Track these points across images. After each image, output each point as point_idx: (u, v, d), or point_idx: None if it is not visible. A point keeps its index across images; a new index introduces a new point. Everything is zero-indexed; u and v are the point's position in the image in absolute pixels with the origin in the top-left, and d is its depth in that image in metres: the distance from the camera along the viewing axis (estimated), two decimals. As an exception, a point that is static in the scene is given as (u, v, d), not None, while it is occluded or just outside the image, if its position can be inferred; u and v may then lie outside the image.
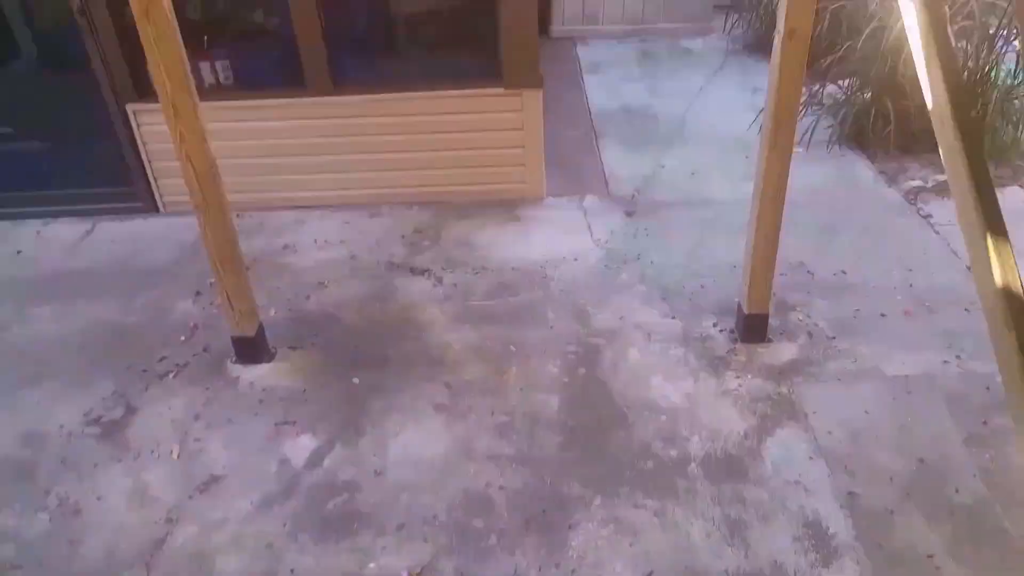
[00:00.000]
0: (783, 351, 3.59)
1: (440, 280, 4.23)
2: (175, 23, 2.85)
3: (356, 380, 3.54)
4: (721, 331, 3.73)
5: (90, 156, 4.84)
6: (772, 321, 3.66)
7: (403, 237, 4.61)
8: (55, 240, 4.79)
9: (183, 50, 2.91)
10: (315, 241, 4.61)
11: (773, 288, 3.53)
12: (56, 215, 4.96)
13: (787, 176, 3.17)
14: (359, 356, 3.70)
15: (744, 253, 3.50)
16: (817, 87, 5.57)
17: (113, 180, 4.88)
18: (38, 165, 4.92)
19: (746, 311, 3.57)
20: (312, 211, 4.88)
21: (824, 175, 5.06)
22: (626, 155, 5.44)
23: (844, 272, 4.12)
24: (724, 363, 3.54)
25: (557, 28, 7.59)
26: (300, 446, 3.21)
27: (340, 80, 4.52)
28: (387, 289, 4.17)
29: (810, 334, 3.69)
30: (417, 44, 4.85)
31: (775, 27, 2.97)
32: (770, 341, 3.63)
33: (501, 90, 4.51)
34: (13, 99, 4.82)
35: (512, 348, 3.68)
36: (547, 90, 4.68)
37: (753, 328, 3.62)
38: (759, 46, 6.91)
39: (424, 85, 4.58)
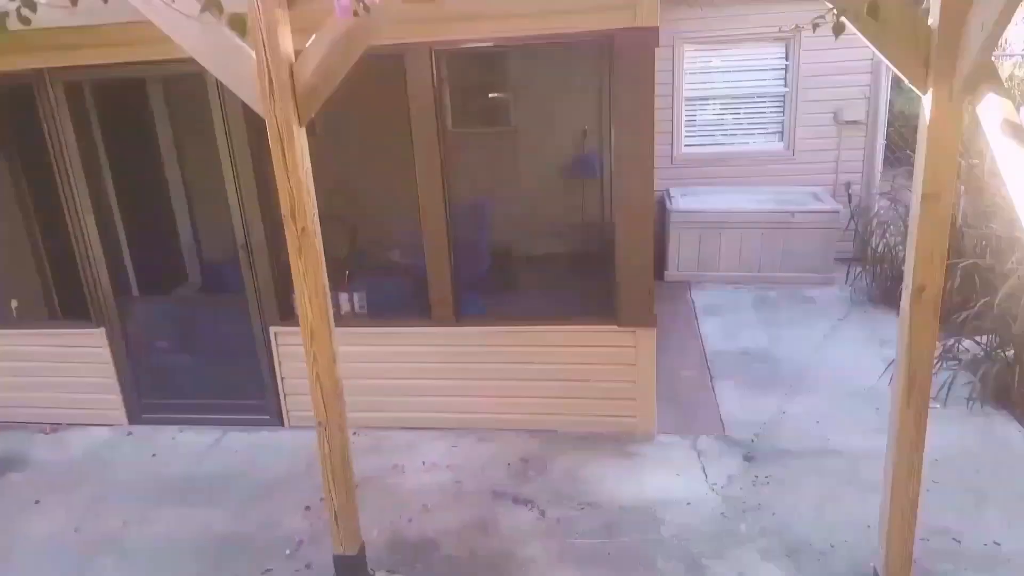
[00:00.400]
0: None
1: (544, 513, 4.12)
2: (323, 261, 3.22)
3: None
4: None
5: (231, 371, 5.28)
6: None
7: (509, 465, 4.59)
8: (187, 446, 5.10)
9: (326, 282, 3.25)
10: (423, 463, 4.67)
11: (914, 555, 3.20)
12: (192, 423, 5.31)
13: (924, 434, 3.01)
14: (456, 588, 3.56)
15: (880, 513, 3.23)
16: (952, 341, 5.36)
17: (247, 394, 5.24)
18: (185, 376, 5.40)
19: None
20: (424, 432, 4.98)
21: (966, 434, 4.70)
22: (744, 398, 5.31)
23: (998, 544, 3.67)
24: None
25: (672, 272, 7.83)
26: None
27: (463, 312, 4.81)
28: (489, 518, 4.10)
29: None
30: (537, 281, 5.15)
31: (901, 280, 2.93)
32: None
33: (615, 327, 4.63)
34: (175, 318, 5.45)
35: None
36: (661, 330, 4.76)
37: None
38: (884, 298, 6.83)
39: (541, 319, 4.79)
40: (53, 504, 4.52)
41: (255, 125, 4.39)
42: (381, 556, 3.80)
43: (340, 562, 3.62)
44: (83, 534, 4.22)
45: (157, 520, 4.29)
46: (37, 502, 4.56)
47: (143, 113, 5.80)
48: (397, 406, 5.04)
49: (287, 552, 3.91)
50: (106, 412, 5.41)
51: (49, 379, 5.42)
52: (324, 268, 3.23)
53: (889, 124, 8.02)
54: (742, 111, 8.39)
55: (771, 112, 8.28)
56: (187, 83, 4.75)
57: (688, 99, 8.31)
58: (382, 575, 3.69)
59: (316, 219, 3.16)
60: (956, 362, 5.32)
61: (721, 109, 8.44)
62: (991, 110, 2.41)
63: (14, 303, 5.53)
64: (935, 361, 3.08)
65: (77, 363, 5.36)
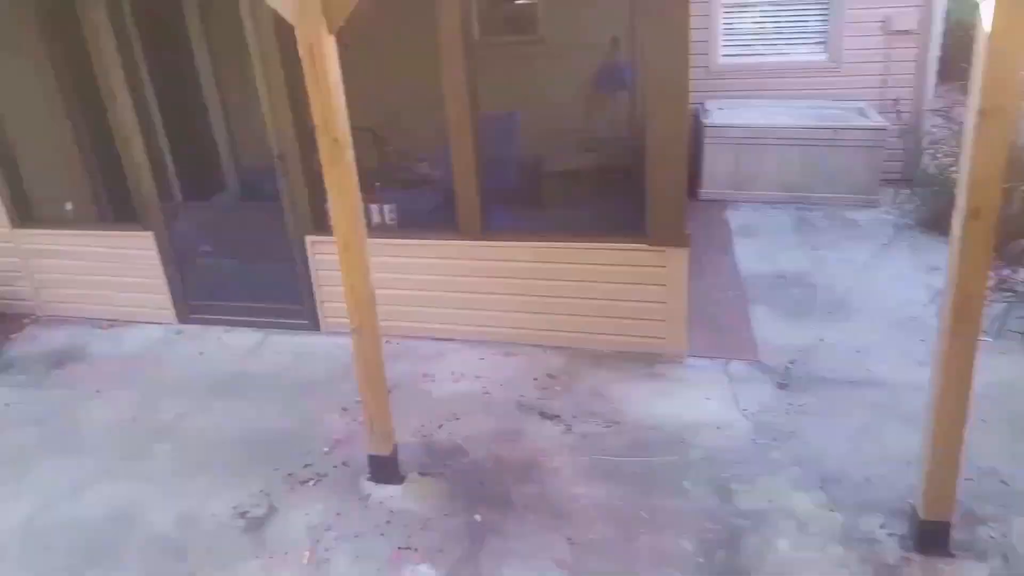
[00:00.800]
0: (972, 573, 3.05)
1: (570, 428, 4.18)
2: (355, 172, 3.28)
3: (478, 517, 3.56)
4: (891, 535, 3.25)
5: (270, 277, 5.48)
6: (956, 534, 3.15)
7: (536, 380, 4.67)
8: (232, 346, 5.36)
9: (359, 194, 3.32)
10: (452, 373, 4.81)
11: (958, 494, 3.09)
12: (236, 324, 5.56)
13: (972, 368, 2.85)
14: (483, 493, 3.73)
15: (922, 448, 3.10)
16: (1008, 272, 5.16)
17: (286, 299, 5.44)
18: (228, 280, 5.64)
19: (923, 516, 3.12)
20: (452, 343, 5.10)
21: (1019, 370, 4.45)
22: (780, 323, 5.14)
23: (1050, 488, 3.49)
24: (895, 574, 3.08)
25: (706, 190, 7.59)
26: (419, 574, 3.26)
27: (490, 226, 4.84)
28: (516, 429, 4.21)
29: (1006, 557, 3.11)
30: (565, 197, 5.12)
31: (954, 204, 2.74)
32: (952, 556, 3.11)
33: (645, 246, 4.57)
34: (216, 224, 5.66)
35: (643, 514, 3.48)
36: (694, 250, 4.66)
37: (931, 538, 3.14)
38: (934, 222, 6.45)
39: (569, 236, 4.77)
40: (112, 394, 4.86)
41: (286, 35, 4.37)
42: (413, 458, 3.98)
43: (374, 461, 3.85)
44: (140, 423, 4.53)
45: (208, 412, 4.58)
46: (98, 392, 4.90)
47: (179, 24, 5.84)
48: (426, 316, 5.17)
49: (325, 450, 4.14)
50: (157, 311, 5.70)
51: (104, 278, 5.72)
52: (356, 179, 3.29)
53: (944, 34, 7.51)
54: (783, 18, 7.94)
55: (815, 20, 7.82)
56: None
57: (726, 5, 7.91)
58: (413, 476, 3.88)
59: (347, 130, 3.21)
60: (1011, 294, 5.06)
61: (761, 16, 8.00)
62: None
63: (69, 205, 5.79)
64: (988, 291, 2.88)
65: (129, 264, 5.62)
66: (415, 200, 5.27)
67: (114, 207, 5.79)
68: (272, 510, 3.71)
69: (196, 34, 5.88)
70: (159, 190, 5.36)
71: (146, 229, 5.45)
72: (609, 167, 4.89)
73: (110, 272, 5.67)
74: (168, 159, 5.47)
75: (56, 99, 5.54)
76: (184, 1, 5.76)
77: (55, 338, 5.67)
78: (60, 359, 5.36)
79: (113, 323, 5.78)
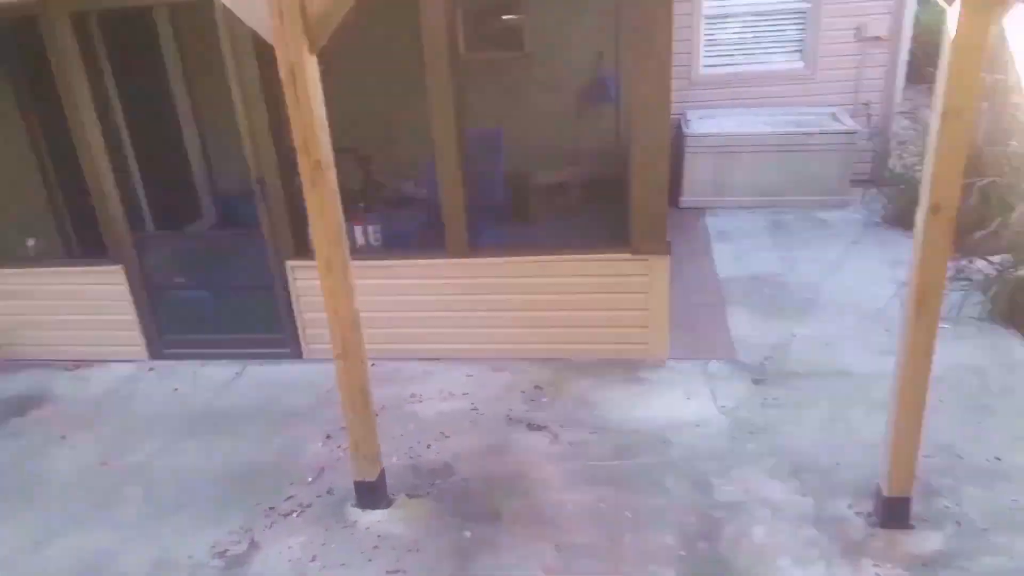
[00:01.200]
0: (928, 541, 3.29)
1: (557, 437, 4.22)
2: (337, 193, 3.22)
3: (468, 534, 3.53)
4: (858, 514, 3.46)
5: (248, 306, 5.34)
6: (915, 507, 3.38)
7: (523, 392, 4.68)
8: (208, 380, 5.21)
9: (341, 215, 3.26)
10: (440, 392, 4.76)
11: (917, 471, 3.29)
12: (212, 357, 5.41)
13: (932, 352, 3.05)
14: (472, 509, 3.71)
15: (885, 431, 3.31)
16: (965, 261, 5.34)
17: (265, 328, 5.31)
18: (203, 312, 5.47)
19: (886, 493, 3.33)
20: (439, 363, 5.06)
21: (974, 353, 4.75)
22: (755, 322, 5.34)
23: (999, 458, 3.77)
24: (860, 549, 3.27)
25: (687, 198, 7.73)
26: (408, 599, 3.18)
27: (476, 244, 4.81)
28: (504, 444, 4.21)
29: (959, 523, 3.37)
30: (551, 210, 5.12)
31: (918, 201, 2.91)
32: (912, 528, 3.35)
33: (629, 255, 4.63)
34: (190, 254, 5.50)
35: (627, 515, 3.57)
36: (675, 256, 4.76)
37: (894, 513, 3.35)
38: (900, 219, 6.73)
39: (554, 249, 4.79)
40: (79, 438, 4.66)
41: (265, 55, 4.30)
42: (401, 480, 3.92)
43: (360, 486, 3.75)
44: (110, 467, 4.35)
45: (182, 451, 4.43)
46: (63, 437, 4.69)
47: (151, 46, 5.72)
48: (413, 337, 5.10)
49: (309, 479, 4.04)
50: (127, 348, 5.51)
51: (70, 317, 5.50)
52: (339, 201, 3.23)
53: (913, 40, 7.73)
54: (762, 28, 8.10)
55: (792, 29, 8.00)
56: (195, 12, 4.66)
57: (708, 17, 8.04)
58: (402, 499, 3.81)
59: (330, 151, 3.15)
60: (968, 282, 5.33)
61: (741, 26, 8.15)
62: (1020, 22, 2.34)
63: (30, 242, 5.58)
64: (947, 281, 3.05)
65: (97, 300, 5.43)
66: (401, 220, 5.21)
67: (81, 240, 5.62)
68: (254, 546, 3.59)
69: (171, 56, 5.78)
70: (130, 221, 5.17)
71: (115, 263, 5.26)
72: (594, 180, 4.91)
73: (76, 310, 5.46)
74: (139, 187, 5.32)
75: (16, 129, 5.34)
76: (158, 22, 5.66)
77: (16, 383, 5.42)
78: (22, 405, 5.12)
79: (80, 363, 5.56)
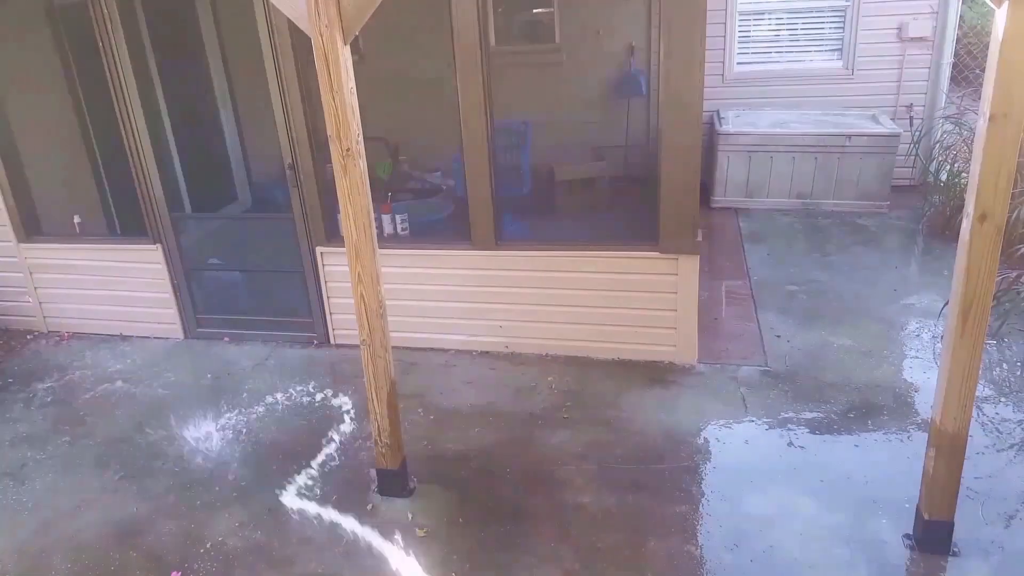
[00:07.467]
0: (969, 569, 3.12)
1: (580, 437, 4.17)
2: (367, 181, 3.25)
3: (487, 529, 3.53)
4: (894, 536, 3.31)
5: (279, 289, 5.42)
6: (959, 532, 3.20)
7: (547, 390, 4.65)
8: (238, 360, 5.30)
9: (370, 203, 3.29)
10: (462, 384, 4.77)
11: (961, 494, 3.14)
12: (244, 338, 5.52)
13: (977, 372, 2.90)
14: (492, 504, 3.70)
15: (926, 449, 3.16)
16: (1015, 275, 5.15)
17: (295, 312, 5.39)
18: (236, 293, 5.59)
19: (926, 516, 3.18)
20: (462, 355, 5.08)
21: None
22: (789, 329, 5.19)
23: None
24: (895, 572, 3.14)
25: (719, 198, 7.64)
26: (428, 589, 3.21)
27: (503, 236, 4.81)
28: (527, 440, 4.19)
29: (1004, 551, 3.20)
30: (579, 205, 5.09)
31: (963, 209, 2.79)
32: (955, 555, 3.18)
33: (657, 254, 4.57)
34: (225, 236, 5.61)
35: (651, 520, 3.50)
36: (706, 257, 4.70)
37: (934, 536, 3.20)
38: (944, 229, 6.53)
39: (581, 245, 4.76)
40: (111, 410, 4.77)
41: (301, 44, 4.37)
42: (422, 469, 3.94)
43: (382, 474, 3.80)
44: (140, 439, 4.44)
45: (209, 427, 4.50)
46: (98, 408, 4.81)
47: (193, 34, 5.83)
48: (437, 327, 5.13)
49: (332, 464, 4.08)
50: (163, 325, 5.65)
51: (109, 292, 5.66)
52: (368, 189, 3.26)
53: (958, 41, 7.54)
54: (799, 26, 7.98)
55: (830, 28, 7.85)
56: (234, 2, 4.72)
57: (742, 13, 7.93)
58: (422, 488, 3.84)
59: (360, 140, 3.17)
60: (1017, 296, 5.00)
61: (777, 24, 8.03)
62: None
63: (76, 218, 5.74)
64: (993, 298, 2.92)
65: (135, 278, 5.57)
66: (428, 210, 5.24)
67: (121, 220, 5.76)
68: (277, 526, 3.64)
69: (211, 43, 5.88)
70: (169, 202, 5.31)
71: (154, 242, 5.40)
72: (624, 175, 4.88)
73: (116, 286, 5.62)
74: (178, 169, 5.44)
75: (66, 110, 5.52)
76: (199, 10, 5.76)
77: (57, 354, 5.61)
78: (62, 374, 5.29)
79: (117, 337, 5.74)
